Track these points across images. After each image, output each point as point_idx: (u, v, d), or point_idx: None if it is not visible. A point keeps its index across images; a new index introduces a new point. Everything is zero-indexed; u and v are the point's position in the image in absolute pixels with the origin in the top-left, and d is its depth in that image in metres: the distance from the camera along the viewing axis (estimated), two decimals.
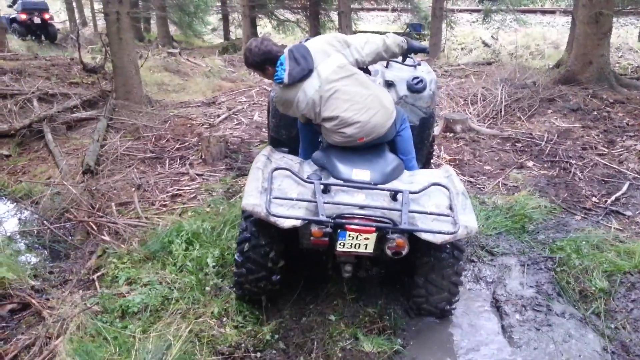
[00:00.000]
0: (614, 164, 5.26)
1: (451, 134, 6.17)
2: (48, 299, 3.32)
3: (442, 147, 5.72)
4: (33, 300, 3.27)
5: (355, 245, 2.77)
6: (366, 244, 2.77)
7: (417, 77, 3.79)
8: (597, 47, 7.54)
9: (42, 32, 18.23)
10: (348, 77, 3.06)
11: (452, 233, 2.66)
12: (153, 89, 9.57)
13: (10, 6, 18.86)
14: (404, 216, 2.69)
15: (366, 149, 3.17)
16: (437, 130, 6.28)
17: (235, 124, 7.31)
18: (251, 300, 3.27)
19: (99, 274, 3.64)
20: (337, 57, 3.08)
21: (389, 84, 3.83)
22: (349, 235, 2.73)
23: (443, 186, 2.96)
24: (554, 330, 3.04)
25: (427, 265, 3.03)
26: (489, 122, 6.73)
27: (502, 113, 6.88)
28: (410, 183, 3.06)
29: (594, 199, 4.61)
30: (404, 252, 2.75)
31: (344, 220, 2.71)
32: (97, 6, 20.43)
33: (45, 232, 4.36)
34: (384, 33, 3.46)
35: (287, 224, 2.70)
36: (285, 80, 3.01)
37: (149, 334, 2.89)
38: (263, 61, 3.08)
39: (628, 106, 6.98)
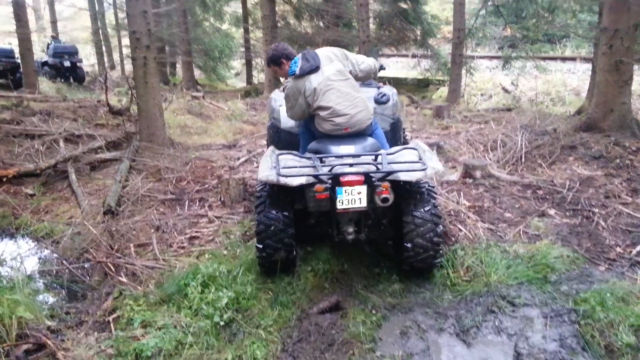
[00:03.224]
0: (638, 213, 5.14)
1: (470, 180, 6.13)
2: (63, 340, 3.31)
3: (462, 193, 5.67)
4: (48, 341, 3.26)
5: (351, 200, 3.45)
6: (360, 198, 3.45)
7: (381, 93, 4.70)
8: (618, 94, 7.51)
9: (71, 74, 18.92)
10: (344, 80, 3.99)
11: (423, 170, 3.41)
12: (176, 131, 9.77)
13: (44, 51, 19.69)
14: (384, 164, 3.49)
15: (350, 136, 3.98)
16: (456, 175, 6.26)
17: (255, 167, 7.38)
18: (273, 265, 3.84)
19: (114, 315, 3.63)
20: (338, 64, 4.02)
21: None
22: (345, 192, 3.43)
23: (412, 148, 3.82)
24: None
25: (413, 231, 3.70)
26: (509, 169, 6.67)
27: (523, 159, 6.83)
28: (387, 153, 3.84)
29: (618, 249, 4.49)
30: (390, 199, 3.45)
31: (339, 172, 3.42)
32: (125, 50, 21.16)
33: (64, 271, 4.40)
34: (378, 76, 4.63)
35: (295, 182, 3.37)
36: (297, 72, 3.94)
37: None
38: (280, 55, 4.09)
39: None
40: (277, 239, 3.72)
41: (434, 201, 3.78)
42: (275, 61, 4.12)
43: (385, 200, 3.44)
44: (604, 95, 7.66)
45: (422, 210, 3.71)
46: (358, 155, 3.68)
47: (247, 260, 4.16)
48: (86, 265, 4.50)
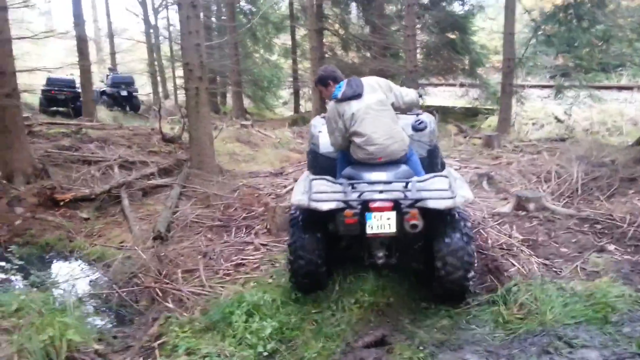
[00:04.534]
0: None
1: (523, 213, 5.92)
2: None
3: (514, 226, 5.47)
4: None
5: (381, 226, 3.53)
6: (389, 224, 3.53)
7: (419, 120, 4.66)
8: None
9: (127, 103, 19.77)
10: (384, 111, 4.06)
11: (451, 198, 3.47)
12: (225, 159, 9.96)
13: (102, 81, 20.72)
14: (413, 191, 3.56)
15: (383, 163, 4.04)
16: (508, 208, 6.06)
17: None
18: (304, 278, 3.93)
19: (160, 341, 3.64)
20: (381, 94, 4.09)
21: None
22: (374, 217, 3.52)
23: (443, 176, 3.82)
24: None
25: (443, 250, 3.67)
26: (564, 201, 6.41)
27: (579, 192, 6.56)
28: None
29: None
30: (419, 225, 3.50)
31: (367, 198, 3.54)
32: (179, 81, 21.95)
33: (113, 295, 4.48)
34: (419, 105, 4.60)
35: (325, 207, 3.52)
36: (339, 96, 4.05)
37: None
38: (327, 77, 4.20)
39: None
40: (307, 250, 3.83)
41: (464, 222, 3.79)
42: (323, 82, 4.24)
43: (414, 226, 3.50)
44: None
45: (453, 234, 3.72)
46: (389, 182, 3.75)
47: (292, 289, 4.12)
48: (135, 290, 4.57)
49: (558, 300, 3.89)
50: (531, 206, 5.96)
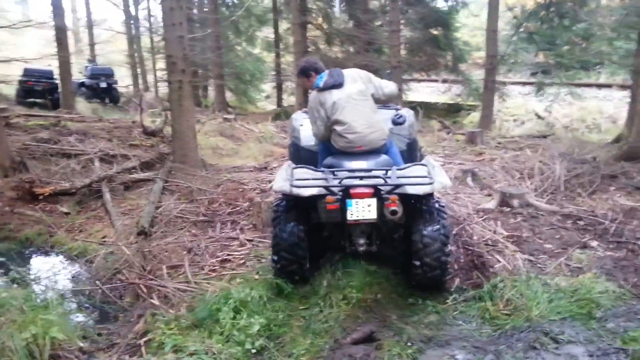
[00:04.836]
0: None
1: (508, 209, 5.97)
2: None
3: (499, 222, 5.52)
4: None
5: (361, 212, 3.61)
6: (370, 210, 3.61)
7: (398, 114, 4.69)
8: None
9: (106, 95, 19.46)
10: (364, 100, 4.19)
11: (429, 184, 3.62)
12: (208, 153, 9.86)
13: (81, 72, 20.33)
14: (393, 178, 3.67)
15: (363, 153, 4.15)
16: (492, 204, 6.11)
17: None
18: (287, 257, 3.93)
19: (145, 338, 3.58)
20: (361, 85, 4.21)
21: None
22: (355, 203, 3.60)
23: (422, 164, 3.96)
24: None
25: (420, 225, 3.82)
26: (547, 198, 6.48)
27: (562, 189, 6.64)
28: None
29: None
30: (399, 212, 3.59)
31: (348, 184, 3.62)
32: (160, 73, 21.67)
33: (96, 292, 4.40)
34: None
35: (306, 193, 3.58)
36: (321, 85, 4.18)
37: None
38: (309, 68, 4.31)
39: None
40: (290, 226, 3.91)
41: (443, 221, 3.91)
42: (305, 73, 4.34)
43: (393, 212, 3.58)
44: None
45: (429, 211, 3.86)
46: (369, 170, 3.86)
47: (279, 285, 4.09)
48: (118, 286, 4.49)
49: (543, 296, 3.93)
50: (515, 202, 6.01)
